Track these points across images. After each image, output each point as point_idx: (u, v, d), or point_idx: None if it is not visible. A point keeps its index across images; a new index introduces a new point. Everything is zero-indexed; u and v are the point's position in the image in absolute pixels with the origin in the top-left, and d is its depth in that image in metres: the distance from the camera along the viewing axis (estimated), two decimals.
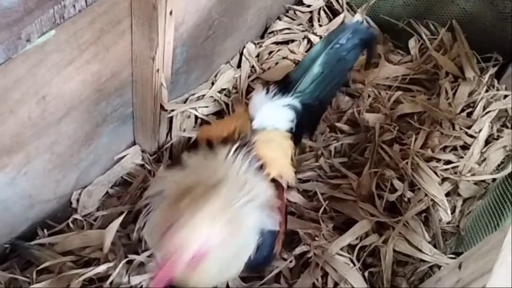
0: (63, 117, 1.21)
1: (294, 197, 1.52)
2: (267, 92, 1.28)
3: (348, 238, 1.42)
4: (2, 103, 1.02)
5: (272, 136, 1.24)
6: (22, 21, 0.91)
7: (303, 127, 1.35)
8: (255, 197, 1.04)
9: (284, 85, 1.30)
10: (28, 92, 1.06)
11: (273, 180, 1.16)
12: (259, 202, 1.06)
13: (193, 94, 1.71)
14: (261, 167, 1.14)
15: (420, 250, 1.39)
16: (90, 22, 1.09)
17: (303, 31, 1.91)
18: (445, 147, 1.55)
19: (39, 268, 1.25)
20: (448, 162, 1.53)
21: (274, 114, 1.26)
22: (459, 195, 1.50)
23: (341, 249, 1.41)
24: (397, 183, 1.48)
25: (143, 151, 1.59)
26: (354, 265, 1.38)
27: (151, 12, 1.17)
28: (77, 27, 1.07)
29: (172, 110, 1.58)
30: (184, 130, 1.64)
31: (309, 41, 1.89)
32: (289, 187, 1.28)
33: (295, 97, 1.29)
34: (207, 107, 1.70)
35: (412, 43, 1.85)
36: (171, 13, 1.21)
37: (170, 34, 1.27)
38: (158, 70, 1.32)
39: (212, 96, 1.73)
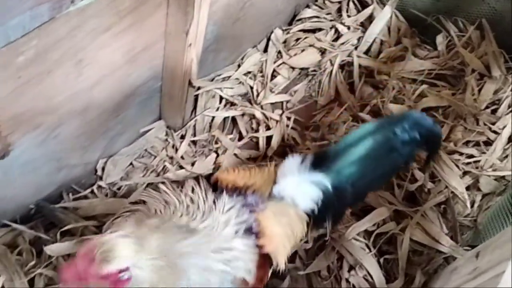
0: (96, 84, 1.23)
1: None
2: (301, 162, 1.14)
3: (366, 224, 1.43)
4: (41, 62, 1.04)
5: (286, 212, 1.11)
6: None
7: (328, 213, 1.16)
8: (227, 256, 0.99)
9: (320, 159, 1.15)
10: (66, 54, 1.09)
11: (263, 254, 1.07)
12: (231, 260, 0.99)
13: (219, 75, 1.74)
14: (257, 235, 1.05)
15: (437, 241, 1.40)
16: None
17: (331, 20, 1.92)
18: (468, 141, 1.56)
19: (62, 229, 1.28)
20: (470, 156, 1.53)
21: (298, 188, 1.12)
22: (479, 189, 1.51)
23: (358, 234, 1.43)
24: (418, 173, 1.49)
25: (167, 127, 1.61)
26: (370, 250, 1.40)
27: None
28: None
29: (199, 88, 1.60)
30: (208, 109, 1.66)
31: (336, 30, 1.90)
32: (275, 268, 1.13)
33: (327, 176, 1.12)
34: (232, 88, 1.72)
35: (440, 39, 1.85)
36: None
37: (205, 9, 1.28)
38: (190, 45, 1.34)
39: (237, 78, 1.75)
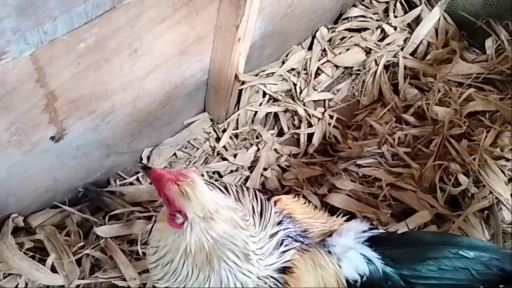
0: (148, 73, 1.27)
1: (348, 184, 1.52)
2: (365, 230, 1.06)
3: (406, 226, 1.42)
4: (100, 50, 1.08)
5: (327, 266, 1.04)
6: None
7: None
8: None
9: (383, 238, 1.07)
10: (124, 43, 1.12)
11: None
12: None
13: (264, 71, 1.75)
14: (285, 270, 1.01)
15: None
16: None
17: (377, 20, 1.91)
18: None
19: (110, 214, 1.32)
20: None
21: (349, 252, 1.05)
22: None
23: None
24: (462, 178, 1.46)
25: (211, 119, 1.64)
26: None
27: None
28: None
29: (243, 83, 1.62)
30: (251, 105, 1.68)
31: (382, 30, 1.88)
32: None
33: (382, 259, 1.04)
34: (275, 84, 1.74)
35: (489, 43, 1.81)
36: None
37: (256, 5, 1.30)
38: (239, 39, 1.36)
39: (281, 75, 1.76)
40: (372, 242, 1.05)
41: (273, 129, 1.68)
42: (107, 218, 1.32)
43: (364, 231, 1.06)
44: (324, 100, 1.77)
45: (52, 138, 1.17)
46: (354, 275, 1.05)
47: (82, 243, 1.27)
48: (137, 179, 1.44)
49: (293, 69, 1.78)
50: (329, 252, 1.05)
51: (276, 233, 1.01)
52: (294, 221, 1.06)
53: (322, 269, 1.04)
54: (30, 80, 1.00)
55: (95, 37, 1.04)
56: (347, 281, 1.06)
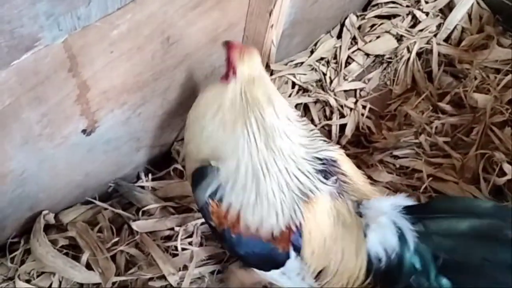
0: (180, 63, 1.22)
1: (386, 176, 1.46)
2: (408, 210, 0.95)
3: None
4: (133, 37, 1.04)
5: (349, 228, 0.96)
6: None
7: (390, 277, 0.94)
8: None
9: (420, 209, 0.97)
10: (156, 30, 1.08)
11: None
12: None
13: (292, 61, 1.69)
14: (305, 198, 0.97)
15: None
16: None
17: (407, 6, 1.84)
18: None
19: (142, 209, 1.27)
20: None
21: (383, 218, 0.94)
22: None
23: None
24: (507, 167, 1.39)
25: None
26: None
27: None
28: None
29: (272, 73, 1.57)
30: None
31: (414, 17, 1.81)
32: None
33: (417, 234, 0.92)
34: (305, 74, 1.68)
35: None
36: None
37: None
38: (272, 26, 1.31)
39: (310, 65, 1.70)
40: (409, 211, 0.94)
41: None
42: (140, 213, 1.27)
43: (408, 210, 0.95)
44: (355, 90, 1.70)
45: (84, 131, 1.12)
46: (379, 250, 0.94)
47: (115, 239, 1.22)
48: (168, 173, 1.39)
49: (322, 58, 1.72)
50: (360, 215, 0.96)
51: (320, 159, 1.00)
52: (340, 167, 1.02)
53: (345, 227, 0.97)
54: (63, 69, 0.96)
55: (128, 24, 0.99)
56: (369, 257, 0.95)
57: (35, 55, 0.87)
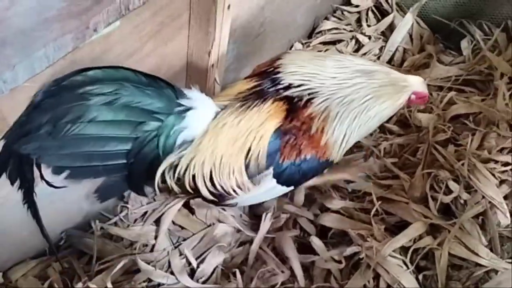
0: None
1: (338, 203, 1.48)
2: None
3: (402, 239, 1.37)
4: None
5: None
6: (91, 10, 0.93)
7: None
8: None
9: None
10: None
11: None
12: None
13: None
14: None
15: (477, 254, 1.34)
16: (152, 15, 1.10)
17: (351, 31, 1.90)
18: (503, 148, 1.50)
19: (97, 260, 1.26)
20: (506, 164, 1.47)
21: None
22: None
23: (394, 251, 1.37)
24: (452, 185, 1.43)
25: None
26: (408, 267, 1.34)
27: (210, 5, 1.17)
28: (140, 19, 1.08)
29: None
30: None
31: (357, 41, 1.87)
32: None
33: None
34: None
35: (464, 44, 1.81)
36: (229, 7, 1.22)
37: (226, 29, 1.27)
38: (213, 65, 1.32)
39: None
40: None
41: None
42: (93, 263, 1.25)
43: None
44: None
45: None
46: None
47: None
48: (120, 219, 1.38)
49: None
50: None
51: None
52: None
53: None
54: None
55: None
56: None
57: None
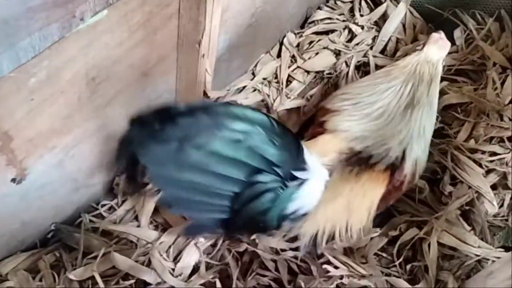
0: (111, 100, 1.21)
1: None
2: None
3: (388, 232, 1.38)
4: (54, 82, 1.02)
5: None
6: None
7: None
8: None
9: None
10: (79, 73, 1.06)
11: None
12: None
13: (234, 85, 1.70)
14: None
15: (465, 243, 1.35)
16: (141, 4, 1.09)
17: (344, 21, 1.88)
18: (491, 138, 1.50)
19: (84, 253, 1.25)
20: (493, 153, 1.47)
21: None
22: (506, 187, 1.45)
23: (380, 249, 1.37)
24: (421, 182, 1.42)
25: None
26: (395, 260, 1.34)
27: None
28: (128, 8, 1.06)
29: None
30: None
31: (350, 31, 1.86)
32: None
33: None
34: (247, 98, 1.69)
35: (457, 33, 1.80)
36: None
37: (216, 18, 1.25)
38: (203, 55, 1.31)
39: (253, 87, 1.71)
40: None
41: None
42: (79, 257, 1.24)
43: None
44: (299, 107, 1.73)
45: (13, 180, 1.10)
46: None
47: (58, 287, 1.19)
48: (109, 208, 1.37)
49: (264, 79, 1.74)
50: None
51: None
52: None
53: None
54: None
55: (46, 70, 0.98)
56: None
57: None
